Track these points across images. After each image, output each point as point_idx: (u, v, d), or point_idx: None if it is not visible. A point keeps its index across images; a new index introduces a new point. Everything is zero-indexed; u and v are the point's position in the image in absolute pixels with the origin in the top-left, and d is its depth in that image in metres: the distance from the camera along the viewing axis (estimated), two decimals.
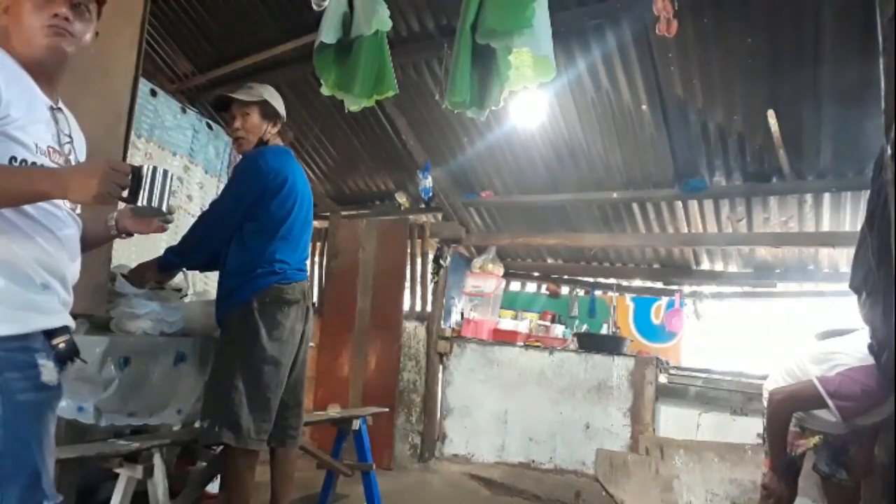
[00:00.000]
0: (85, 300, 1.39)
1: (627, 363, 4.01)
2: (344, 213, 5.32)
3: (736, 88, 3.43)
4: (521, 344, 4.50)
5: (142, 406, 2.23)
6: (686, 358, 4.83)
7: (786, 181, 3.79)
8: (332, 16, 2.82)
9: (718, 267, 4.82)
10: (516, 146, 4.37)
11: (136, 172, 1.25)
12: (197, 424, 2.42)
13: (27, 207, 1.21)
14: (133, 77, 2.32)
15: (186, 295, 2.72)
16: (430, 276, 4.81)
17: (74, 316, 1.39)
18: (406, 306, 4.79)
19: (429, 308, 4.79)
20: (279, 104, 2.53)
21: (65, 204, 1.31)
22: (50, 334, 1.27)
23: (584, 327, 4.96)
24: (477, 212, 5.15)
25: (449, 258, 4.78)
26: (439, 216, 5.03)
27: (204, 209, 3.87)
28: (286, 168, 2.43)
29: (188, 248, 2.43)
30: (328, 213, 5.19)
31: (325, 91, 2.96)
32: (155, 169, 1.26)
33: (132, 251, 3.38)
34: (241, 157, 2.55)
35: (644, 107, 3.72)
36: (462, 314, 5.15)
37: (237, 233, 2.36)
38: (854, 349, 2.40)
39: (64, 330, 1.30)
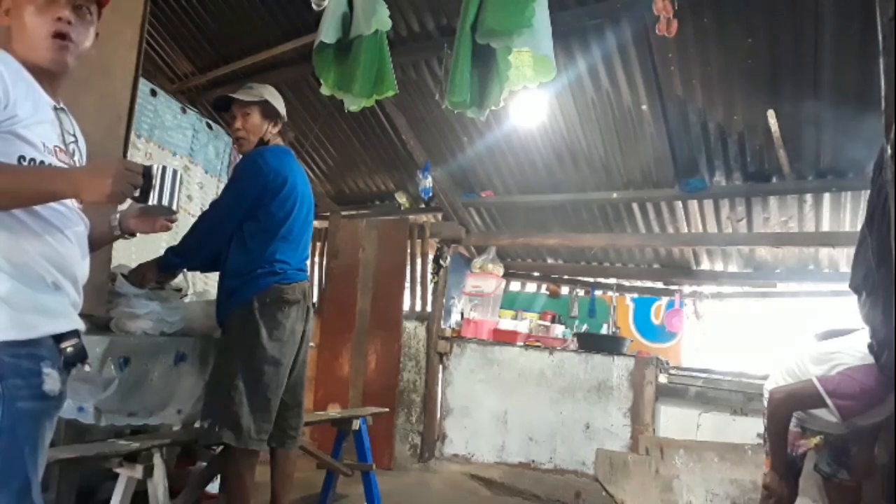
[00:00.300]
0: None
1: (627, 363, 4.01)
2: (344, 213, 5.32)
3: (736, 88, 3.43)
4: (521, 344, 4.50)
5: (142, 406, 2.23)
6: (686, 358, 4.83)
7: (786, 181, 3.79)
8: (331, 16, 2.82)
9: (718, 267, 4.82)
10: (516, 146, 4.37)
11: (147, 172, 1.26)
12: (197, 424, 2.42)
13: (36, 206, 1.21)
14: (133, 77, 2.32)
15: (186, 295, 2.71)
16: (430, 276, 4.81)
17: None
18: (406, 306, 4.79)
19: (429, 308, 4.79)
20: (279, 104, 2.53)
21: (73, 202, 1.31)
22: (59, 337, 1.25)
23: (584, 327, 4.96)
24: (477, 212, 5.15)
25: (449, 258, 4.78)
26: (439, 216, 5.02)
27: (204, 209, 3.87)
28: (286, 168, 2.43)
29: (188, 248, 2.42)
30: (328, 213, 5.19)
31: (324, 91, 2.97)
32: (164, 168, 1.29)
33: (132, 251, 3.38)
34: (241, 156, 2.55)
35: (644, 107, 3.72)
36: (462, 314, 5.15)
37: (237, 233, 2.37)
38: (854, 349, 2.40)
39: (73, 333, 1.29)
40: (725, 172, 3.94)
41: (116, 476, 2.14)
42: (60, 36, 1.28)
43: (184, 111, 4.14)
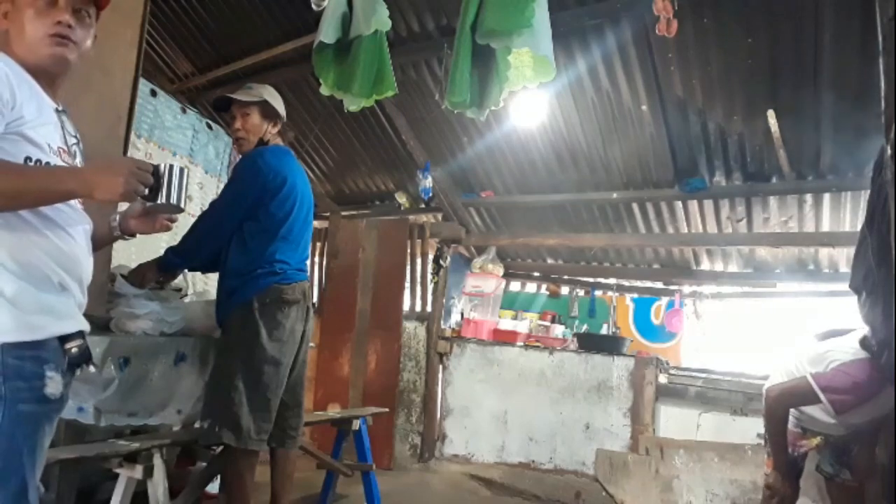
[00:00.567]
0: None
1: (627, 363, 4.01)
2: (344, 213, 5.32)
3: (736, 88, 3.43)
4: (521, 344, 4.50)
5: (142, 406, 2.23)
6: (686, 358, 4.83)
7: (786, 181, 3.79)
8: (331, 16, 2.82)
9: (718, 267, 4.82)
10: (516, 146, 4.37)
11: (156, 171, 1.28)
12: (197, 425, 2.41)
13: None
14: (133, 77, 2.33)
15: (186, 295, 2.71)
16: (430, 277, 4.81)
17: None
18: (406, 306, 4.78)
19: (429, 308, 4.79)
20: (279, 104, 2.53)
21: (77, 201, 1.31)
22: (63, 338, 1.26)
23: (584, 327, 4.96)
24: (477, 212, 5.15)
25: (449, 258, 4.78)
26: (439, 216, 5.03)
27: (204, 209, 3.87)
28: (286, 168, 2.43)
29: (188, 248, 2.42)
30: (328, 213, 5.19)
31: (324, 91, 2.97)
32: (172, 167, 1.30)
33: (132, 251, 3.38)
34: (241, 157, 2.55)
35: (644, 107, 3.72)
36: (462, 314, 5.15)
37: (237, 233, 2.36)
38: (847, 346, 2.44)
39: (78, 334, 1.29)
40: (725, 172, 3.94)
41: (116, 476, 2.14)
42: (61, 36, 1.28)
43: (184, 111, 4.14)
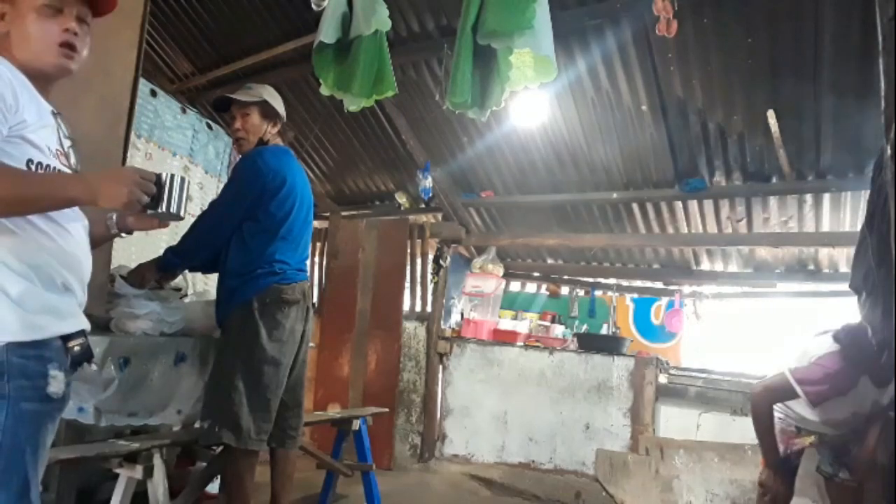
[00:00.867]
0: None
1: (627, 363, 4.01)
2: (344, 213, 5.32)
3: (736, 88, 3.43)
4: (521, 344, 4.50)
5: (142, 406, 2.23)
6: (686, 358, 4.82)
7: (786, 181, 3.79)
8: (331, 16, 2.81)
9: (718, 267, 4.82)
10: (516, 146, 4.37)
11: (158, 180, 1.30)
12: (197, 425, 2.42)
13: None
14: (133, 77, 2.33)
15: (186, 295, 2.71)
16: (430, 277, 4.81)
17: None
18: (406, 306, 4.79)
19: (429, 308, 4.79)
20: (279, 104, 2.53)
21: None
22: (66, 337, 1.27)
23: (584, 327, 4.95)
24: (477, 212, 5.15)
25: (449, 258, 4.78)
26: (439, 216, 5.02)
27: (204, 209, 3.87)
28: (285, 168, 2.43)
29: (188, 248, 2.42)
30: (328, 213, 5.19)
31: (324, 91, 2.96)
32: (173, 176, 1.33)
33: (132, 251, 3.38)
34: (240, 157, 2.55)
35: (644, 107, 3.71)
36: (462, 314, 5.15)
37: (237, 233, 2.36)
38: (823, 340, 2.48)
39: (80, 333, 1.31)
40: (725, 172, 3.94)
41: (116, 476, 2.14)
42: (69, 45, 1.30)
43: (184, 111, 4.14)
